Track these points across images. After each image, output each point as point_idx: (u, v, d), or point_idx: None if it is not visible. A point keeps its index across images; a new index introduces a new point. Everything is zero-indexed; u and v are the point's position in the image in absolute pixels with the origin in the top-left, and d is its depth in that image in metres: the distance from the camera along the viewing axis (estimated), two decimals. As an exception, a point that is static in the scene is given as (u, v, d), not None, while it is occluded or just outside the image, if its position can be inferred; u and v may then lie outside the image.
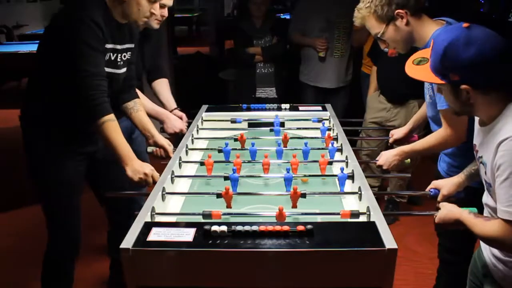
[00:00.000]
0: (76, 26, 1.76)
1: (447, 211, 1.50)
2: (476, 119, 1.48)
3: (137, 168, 1.85)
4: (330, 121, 2.52)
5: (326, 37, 3.68)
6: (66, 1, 1.89)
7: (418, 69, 1.45)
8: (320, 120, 2.51)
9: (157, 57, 2.63)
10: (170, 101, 2.62)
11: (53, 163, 1.98)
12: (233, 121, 2.52)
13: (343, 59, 3.80)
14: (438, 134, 1.89)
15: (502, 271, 1.44)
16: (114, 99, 2.13)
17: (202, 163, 1.94)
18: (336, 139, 2.23)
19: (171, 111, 2.59)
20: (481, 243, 1.57)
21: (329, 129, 2.35)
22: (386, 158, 2.04)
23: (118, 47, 1.95)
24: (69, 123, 1.95)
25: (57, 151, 1.97)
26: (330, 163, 1.91)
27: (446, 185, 1.73)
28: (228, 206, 1.65)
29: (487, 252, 1.51)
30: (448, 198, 1.71)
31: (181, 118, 2.56)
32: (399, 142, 2.31)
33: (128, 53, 2.06)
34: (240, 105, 2.70)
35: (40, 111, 1.96)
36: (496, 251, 1.45)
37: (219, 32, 7.32)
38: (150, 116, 2.29)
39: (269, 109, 2.64)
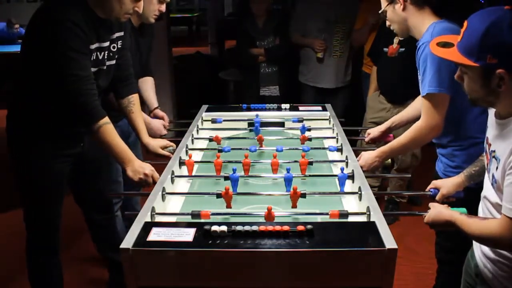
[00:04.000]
0: (59, 31, 1.72)
1: (437, 211, 1.49)
2: (491, 112, 1.45)
3: (137, 168, 1.86)
4: (330, 121, 2.53)
5: (324, 38, 3.68)
6: (46, 1, 1.86)
7: (444, 50, 1.39)
8: (301, 120, 2.51)
9: (147, 56, 2.63)
10: (153, 100, 2.62)
11: (37, 163, 1.96)
12: (214, 121, 2.54)
13: (342, 59, 3.80)
14: (415, 126, 1.91)
15: (491, 271, 1.44)
16: (114, 92, 2.14)
17: (183, 163, 1.94)
18: (336, 139, 2.24)
19: (152, 110, 2.59)
20: (474, 243, 1.57)
21: (309, 129, 2.35)
22: (366, 159, 2.01)
23: (104, 44, 1.93)
24: (55, 124, 1.93)
25: (42, 152, 1.96)
26: (311, 163, 1.90)
27: (445, 185, 1.73)
28: (228, 206, 1.65)
29: (478, 251, 1.51)
30: (448, 198, 1.71)
31: (162, 118, 2.56)
32: (375, 141, 2.32)
33: (119, 42, 2.04)
34: (240, 105, 2.71)
35: (26, 111, 1.94)
36: (486, 250, 1.45)
37: (219, 32, 7.33)
38: None
39: (269, 109, 2.64)
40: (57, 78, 1.77)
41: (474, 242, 1.56)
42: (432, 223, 1.51)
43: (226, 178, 1.75)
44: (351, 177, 1.77)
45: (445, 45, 1.40)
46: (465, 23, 1.32)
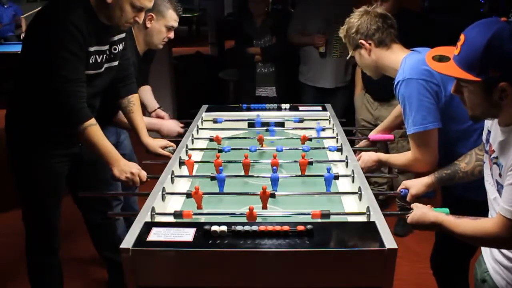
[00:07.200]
0: (57, 31, 1.73)
1: (421, 212, 1.48)
2: (488, 121, 1.44)
3: (123, 168, 1.86)
4: (330, 121, 2.53)
5: (324, 33, 3.67)
6: (51, 1, 1.87)
7: (442, 65, 1.35)
8: (301, 121, 2.53)
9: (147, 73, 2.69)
10: (153, 102, 2.68)
11: (35, 162, 1.97)
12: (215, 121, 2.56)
13: (341, 59, 3.79)
14: (407, 157, 1.86)
15: (505, 278, 1.42)
16: (114, 91, 2.15)
17: (183, 163, 1.93)
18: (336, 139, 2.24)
19: (154, 111, 2.63)
20: (482, 250, 1.54)
21: (323, 129, 2.36)
22: (365, 162, 1.99)
23: (103, 47, 1.93)
24: (53, 123, 1.92)
25: (40, 151, 1.96)
26: (311, 163, 1.89)
27: (415, 185, 1.73)
28: (199, 207, 1.62)
29: (488, 258, 1.49)
30: (418, 198, 1.71)
31: (163, 118, 2.59)
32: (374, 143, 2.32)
33: (121, 43, 2.05)
34: (240, 105, 2.71)
35: (24, 110, 1.94)
36: (499, 257, 1.42)
37: (219, 32, 7.33)
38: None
39: (269, 109, 2.64)
40: (47, 76, 1.77)
41: (483, 249, 1.53)
42: (417, 224, 1.49)
43: (212, 178, 1.74)
44: (352, 177, 1.77)
45: (441, 59, 1.36)
46: (462, 37, 1.28)
